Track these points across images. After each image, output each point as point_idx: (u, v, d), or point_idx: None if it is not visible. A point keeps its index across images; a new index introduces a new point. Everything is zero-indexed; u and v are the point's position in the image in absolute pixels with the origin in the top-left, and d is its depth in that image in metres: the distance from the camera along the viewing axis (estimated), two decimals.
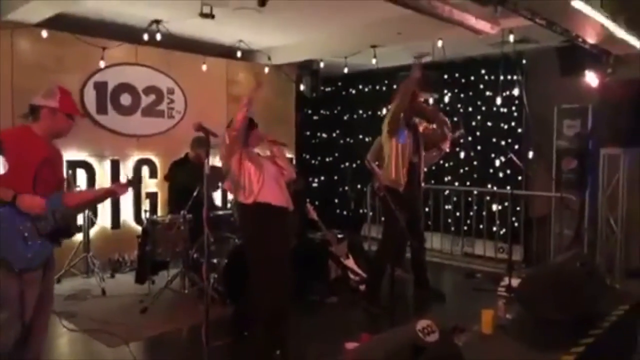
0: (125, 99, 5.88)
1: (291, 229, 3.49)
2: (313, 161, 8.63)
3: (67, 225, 2.62)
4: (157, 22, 5.39)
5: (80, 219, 5.30)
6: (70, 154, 5.38)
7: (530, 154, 5.91)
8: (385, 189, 4.22)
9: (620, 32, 4.08)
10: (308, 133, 8.50)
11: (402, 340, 2.01)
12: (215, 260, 4.37)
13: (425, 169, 4.85)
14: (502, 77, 6.22)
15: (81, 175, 5.50)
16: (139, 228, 5.65)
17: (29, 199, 2.40)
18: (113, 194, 3.00)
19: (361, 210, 7.83)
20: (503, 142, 6.19)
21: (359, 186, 7.93)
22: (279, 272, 3.20)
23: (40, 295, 2.55)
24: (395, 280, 3.63)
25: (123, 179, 5.64)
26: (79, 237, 5.27)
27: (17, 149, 2.43)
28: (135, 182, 3.00)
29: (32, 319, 2.57)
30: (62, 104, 2.58)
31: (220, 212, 5.38)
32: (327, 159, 8.59)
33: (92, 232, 5.42)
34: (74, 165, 5.41)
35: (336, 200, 8.46)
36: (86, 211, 5.22)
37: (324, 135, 8.61)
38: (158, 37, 5.47)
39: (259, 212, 3.22)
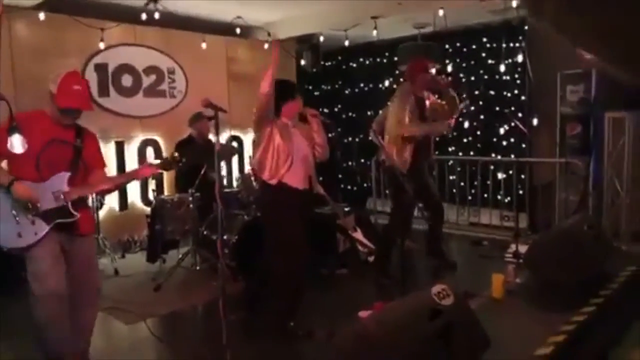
0: (126, 80, 5.85)
1: (309, 207, 3.49)
2: None
3: (66, 207, 2.60)
4: (155, 0, 5.32)
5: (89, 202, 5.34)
6: None
7: (535, 121, 5.90)
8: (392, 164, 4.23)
9: None
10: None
11: (418, 304, 2.05)
12: (225, 237, 4.42)
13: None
14: (504, 45, 6.16)
15: None
16: (146, 208, 5.70)
17: (21, 189, 2.45)
18: (136, 177, 2.95)
19: (365, 184, 7.86)
20: (506, 110, 6.16)
21: (362, 160, 7.95)
22: (295, 250, 3.23)
23: (67, 267, 2.64)
24: (405, 250, 3.68)
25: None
26: None
27: (24, 132, 2.43)
28: (173, 162, 2.85)
29: (75, 294, 2.68)
30: (58, 93, 2.55)
31: (227, 190, 5.41)
32: (330, 134, 8.54)
33: (101, 214, 5.46)
34: None
35: (340, 175, 8.49)
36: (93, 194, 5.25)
37: (326, 110, 8.56)
38: (156, 16, 5.41)
39: (281, 193, 3.18)
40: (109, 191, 2.90)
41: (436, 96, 4.67)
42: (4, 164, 2.57)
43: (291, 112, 3.28)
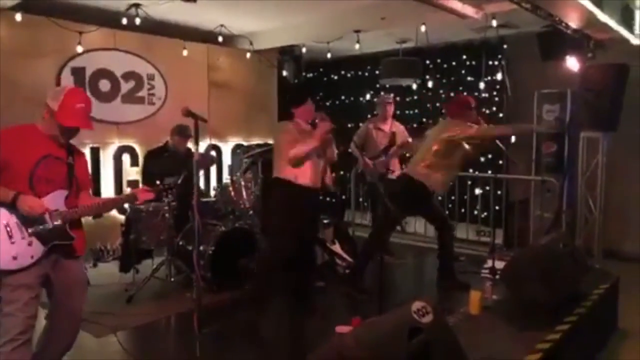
0: (104, 85, 5.73)
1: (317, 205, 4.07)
2: None
3: (64, 227, 2.44)
4: (136, 5, 5.25)
5: None
6: None
7: (513, 139, 5.99)
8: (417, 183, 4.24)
9: (603, 16, 4.13)
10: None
11: (398, 322, 2.03)
12: (201, 248, 4.33)
13: None
14: (484, 62, 6.27)
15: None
16: (120, 217, 5.55)
17: (30, 200, 2.29)
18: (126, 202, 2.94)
19: (344, 196, 7.85)
20: None
21: (341, 172, 7.94)
22: (296, 246, 3.70)
23: (50, 295, 2.51)
24: (383, 265, 3.67)
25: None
26: None
27: (14, 145, 2.34)
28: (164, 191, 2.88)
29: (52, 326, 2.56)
30: (60, 111, 2.39)
31: (204, 199, 5.32)
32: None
33: None
34: None
35: None
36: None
37: None
38: (137, 21, 5.34)
39: (291, 190, 3.66)
40: (98, 213, 2.75)
41: None
42: None
43: (305, 115, 3.75)
